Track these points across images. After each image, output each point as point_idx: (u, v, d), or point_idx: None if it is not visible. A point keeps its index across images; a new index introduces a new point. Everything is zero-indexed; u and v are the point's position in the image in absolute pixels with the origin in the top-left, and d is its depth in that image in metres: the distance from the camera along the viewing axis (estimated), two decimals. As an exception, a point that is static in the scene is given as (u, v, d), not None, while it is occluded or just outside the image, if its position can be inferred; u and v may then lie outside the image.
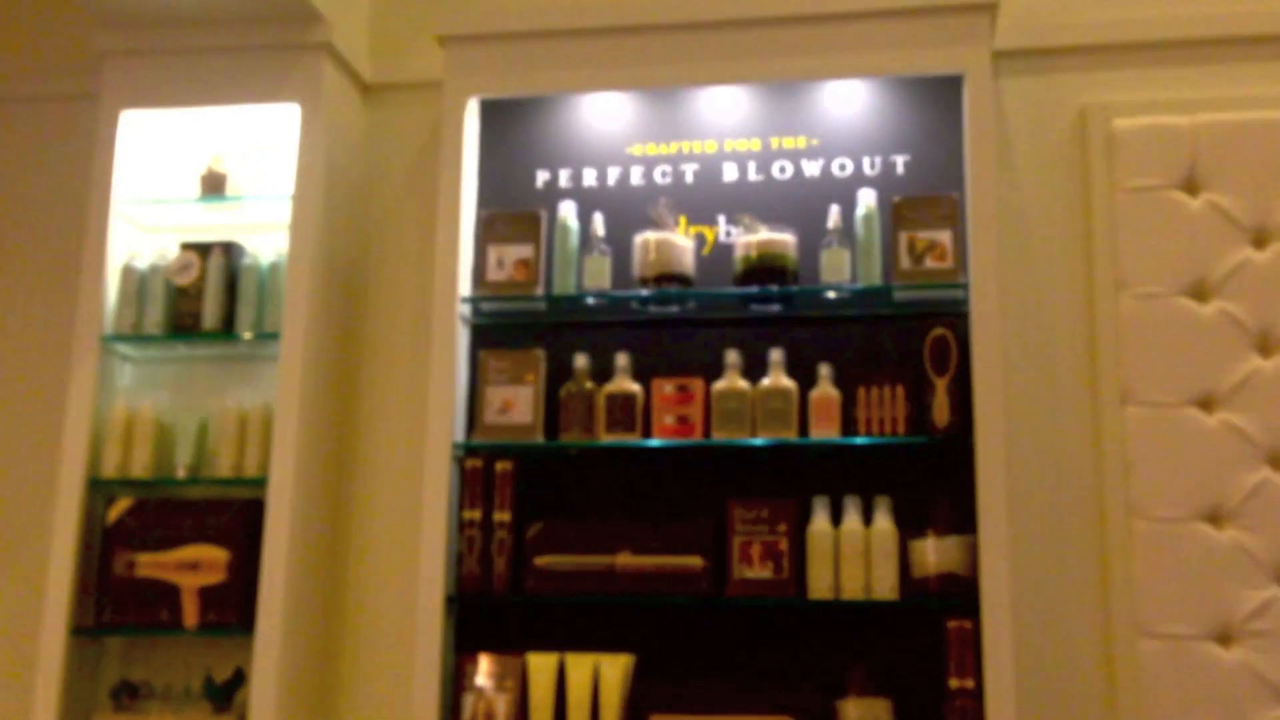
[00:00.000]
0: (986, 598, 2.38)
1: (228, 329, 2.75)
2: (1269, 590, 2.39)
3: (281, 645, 2.48)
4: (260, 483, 2.60)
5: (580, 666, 2.51)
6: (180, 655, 2.65)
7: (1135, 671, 2.41)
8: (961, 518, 2.45)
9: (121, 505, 2.64)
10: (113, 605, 2.58)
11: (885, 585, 2.46)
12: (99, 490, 2.67)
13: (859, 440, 2.54)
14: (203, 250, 2.77)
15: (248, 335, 2.73)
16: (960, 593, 2.43)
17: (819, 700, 2.43)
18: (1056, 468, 2.61)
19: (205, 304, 2.74)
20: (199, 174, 2.86)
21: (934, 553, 2.45)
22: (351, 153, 2.89)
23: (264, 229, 2.83)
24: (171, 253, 2.80)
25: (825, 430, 2.55)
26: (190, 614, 2.56)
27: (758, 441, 2.56)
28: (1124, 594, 2.46)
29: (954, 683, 2.39)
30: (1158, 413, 2.50)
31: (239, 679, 2.57)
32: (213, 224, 2.89)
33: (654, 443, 2.59)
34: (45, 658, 2.52)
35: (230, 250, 2.78)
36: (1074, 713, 2.51)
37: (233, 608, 2.56)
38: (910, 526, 2.49)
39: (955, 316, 2.54)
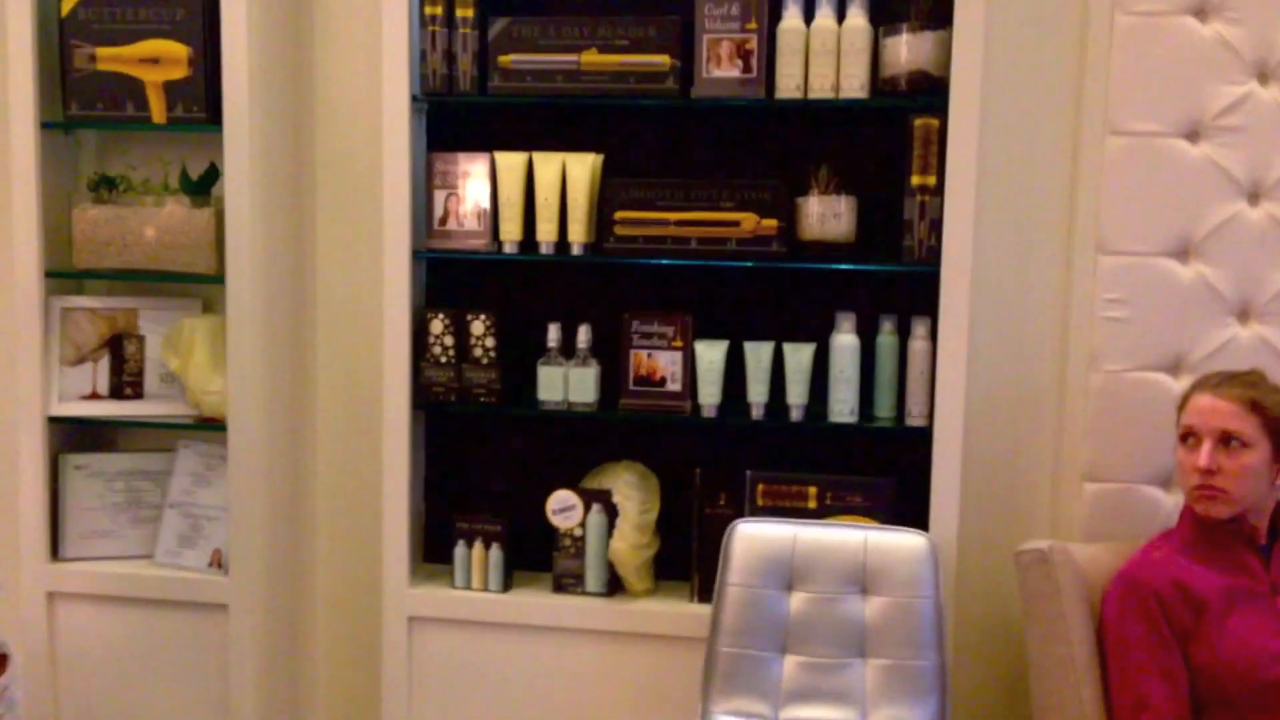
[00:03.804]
0: (955, 95, 2.35)
1: None
2: (1246, 86, 2.33)
3: (250, 139, 2.50)
4: (215, -24, 2.51)
5: (548, 165, 2.53)
6: (153, 151, 2.67)
7: (1099, 164, 2.40)
8: (938, 12, 2.37)
9: (74, -3, 2.58)
10: (78, 99, 2.58)
11: (854, 84, 2.42)
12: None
13: (838, -69, 2.41)
14: None
15: None
16: (929, 90, 2.40)
17: (784, 197, 2.46)
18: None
19: None
20: None
21: (907, 49, 2.39)
22: None
23: None
24: None
25: (802, -80, 2.41)
26: (157, 109, 2.55)
27: (731, -66, 2.44)
28: (1099, 86, 2.42)
29: (916, 179, 2.41)
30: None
31: (213, 173, 2.61)
32: None
33: (623, -65, 2.48)
34: (19, 152, 2.55)
35: None
36: (1037, 212, 2.55)
37: (199, 102, 2.55)
38: (885, 22, 2.42)
39: None
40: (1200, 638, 2.03)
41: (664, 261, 2.52)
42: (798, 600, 2.32)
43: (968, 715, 2.59)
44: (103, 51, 2.56)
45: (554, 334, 2.58)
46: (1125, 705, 2.06)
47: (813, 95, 2.44)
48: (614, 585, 2.61)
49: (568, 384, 2.57)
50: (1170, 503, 2.38)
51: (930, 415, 2.44)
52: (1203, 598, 2.04)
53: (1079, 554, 2.23)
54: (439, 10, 2.50)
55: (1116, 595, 2.11)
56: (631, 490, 2.59)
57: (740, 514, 2.49)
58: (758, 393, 2.53)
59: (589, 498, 2.58)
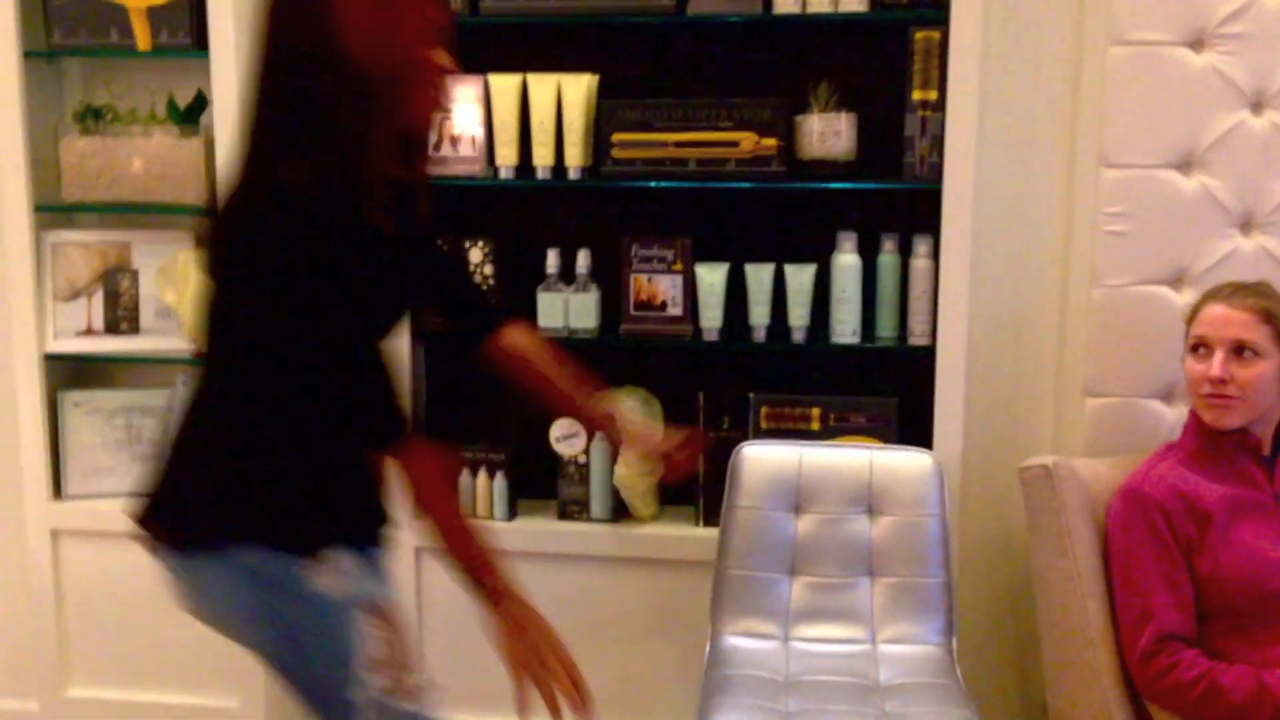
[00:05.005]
0: (957, 6, 2.31)
1: None
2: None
3: (238, 65, 2.43)
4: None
5: (543, 87, 2.48)
6: (139, 80, 2.62)
7: (1102, 75, 2.36)
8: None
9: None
10: (61, 27, 2.52)
11: (854, -3, 2.39)
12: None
13: None
14: None
15: None
16: (930, 2, 2.35)
17: (783, 115, 2.42)
18: None
19: None
20: None
21: (907, -39, 2.35)
22: None
23: None
24: None
25: None
26: (142, 35, 2.49)
27: None
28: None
29: (917, 94, 2.38)
30: None
31: (201, 102, 2.56)
32: None
33: None
34: (2, 82, 2.49)
35: None
36: (1039, 126, 2.51)
37: (184, 29, 2.49)
38: (885, -66, 2.38)
39: None
40: (1204, 549, 2.04)
41: (662, 184, 2.49)
42: (805, 521, 2.33)
43: (974, 630, 2.62)
44: (84, -21, 2.50)
45: (553, 260, 2.55)
46: (1130, 617, 2.07)
47: (811, 9, 2.40)
48: (619, 511, 2.61)
49: (568, 310, 2.55)
50: (1172, 416, 2.38)
51: (933, 334, 2.43)
52: (1207, 509, 2.05)
53: (1082, 469, 2.23)
54: (427, -72, 2.44)
55: (1121, 508, 2.11)
56: (634, 415, 2.58)
57: (744, 437, 2.49)
58: (759, 315, 2.51)
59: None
